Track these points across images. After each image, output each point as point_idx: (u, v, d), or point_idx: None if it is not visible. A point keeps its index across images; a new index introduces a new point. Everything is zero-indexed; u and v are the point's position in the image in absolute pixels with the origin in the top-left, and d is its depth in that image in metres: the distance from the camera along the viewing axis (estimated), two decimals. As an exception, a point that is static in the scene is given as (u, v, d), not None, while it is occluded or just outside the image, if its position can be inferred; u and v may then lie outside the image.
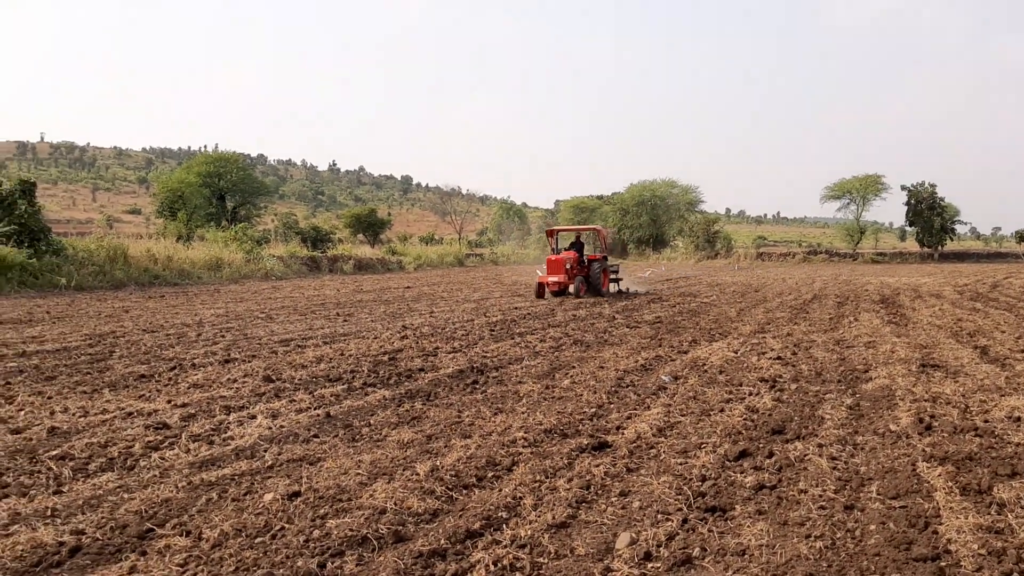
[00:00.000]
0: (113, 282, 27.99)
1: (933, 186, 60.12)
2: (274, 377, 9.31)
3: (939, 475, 5.27)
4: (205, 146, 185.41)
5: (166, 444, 6.22)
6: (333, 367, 10.18)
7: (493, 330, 14.54)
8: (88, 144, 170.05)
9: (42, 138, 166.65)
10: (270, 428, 6.70)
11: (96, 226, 62.69)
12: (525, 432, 6.46)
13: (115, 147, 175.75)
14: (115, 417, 7.23)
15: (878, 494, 5.00)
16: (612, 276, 25.01)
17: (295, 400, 7.87)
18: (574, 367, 10.11)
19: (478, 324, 15.57)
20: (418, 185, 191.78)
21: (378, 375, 9.51)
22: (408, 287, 29.97)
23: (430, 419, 7.08)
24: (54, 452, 5.96)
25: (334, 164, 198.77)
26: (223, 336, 13.98)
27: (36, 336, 13.85)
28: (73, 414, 7.39)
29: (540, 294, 22.83)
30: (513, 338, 13.24)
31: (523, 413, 7.26)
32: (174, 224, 44.97)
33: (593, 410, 7.43)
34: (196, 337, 13.81)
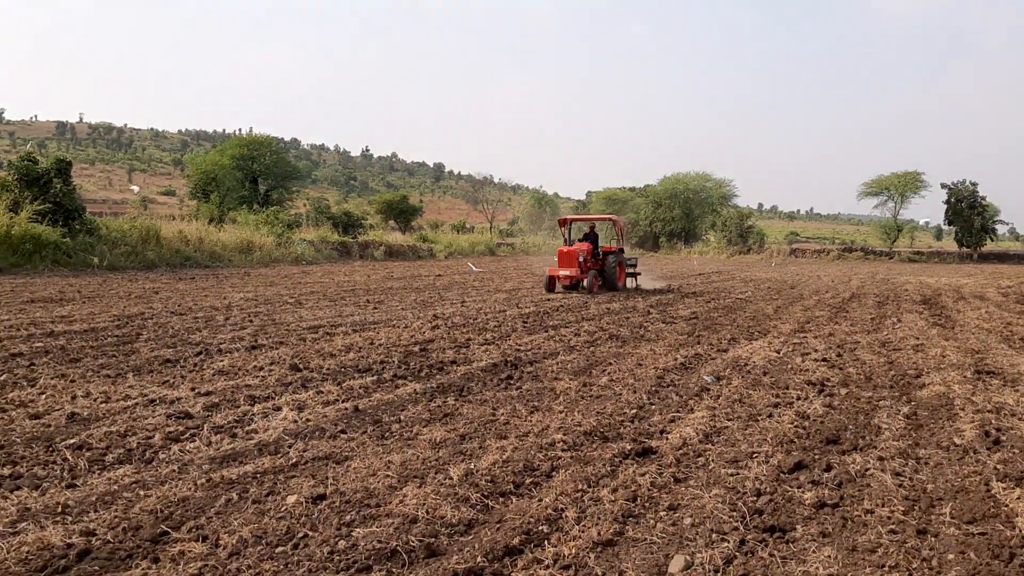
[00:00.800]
0: (145, 263, 28.00)
1: (975, 185, 58.65)
2: (301, 366, 9.02)
3: (1018, 498, 4.82)
4: (240, 129, 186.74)
5: (187, 435, 5.93)
6: (362, 357, 9.88)
7: (526, 322, 14.17)
8: (125, 125, 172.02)
9: (81, 118, 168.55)
10: (295, 422, 6.39)
11: (130, 206, 63.15)
12: (564, 434, 6.09)
13: (152, 128, 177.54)
14: (137, 404, 6.96)
15: (952, 517, 4.57)
16: (629, 270, 23.74)
17: (323, 391, 7.56)
18: (611, 363, 9.71)
19: (510, 315, 15.21)
20: (450, 173, 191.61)
21: (408, 367, 9.18)
22: (439, 275, 29.69)
23: (463, 416, 6.73)
24: (71, 441, 5.70)
25: (367, 150, 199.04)
26: (251, 321, 13.75)
27: (65, 316, 13.72)
28: (95, 399, 7.14)
29: (551, 287, 21.46)
30: (547, 331, 12.86)
31: (560, 412, 6.89)
32: (207, 206, 45.04)
33: (634, 411, 7.04)
34: (224, 321, 13.59)
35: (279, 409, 6.81)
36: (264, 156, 51.55)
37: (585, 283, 21.00)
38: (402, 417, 6.67)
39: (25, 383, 7.87)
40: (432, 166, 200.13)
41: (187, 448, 5.62)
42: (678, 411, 7.10)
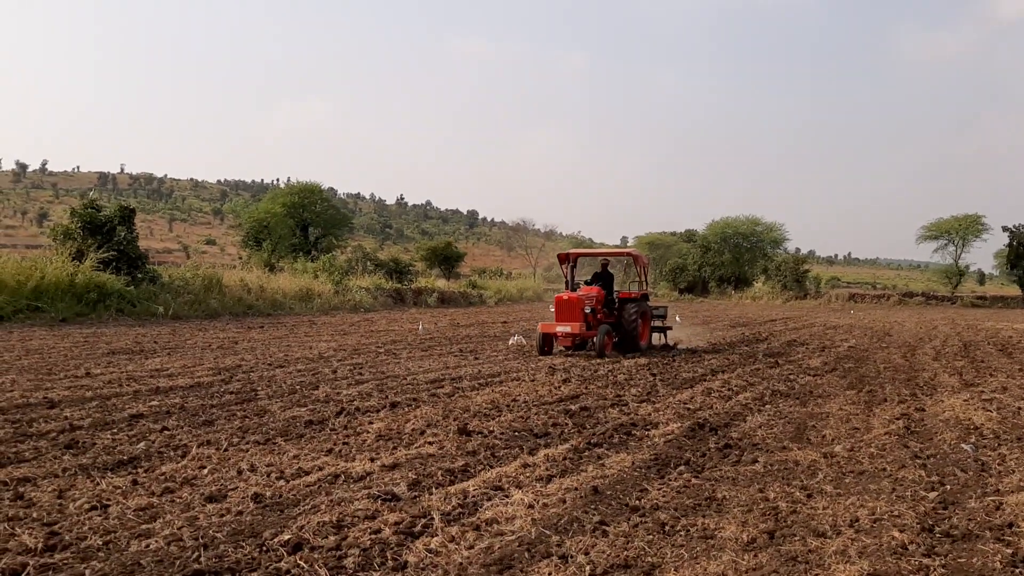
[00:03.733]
0: (208, 312, 27.16)
1: (1037, 228, 56.74)
2: (471, 429, 7.87)
3: None
4: (277, 179, 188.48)
5: (419, 529, 4.76)
6: (521, 417, 8.73)
7: (653, 373, 12.99)
8: (166, 176, 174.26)
9: (122, 169, 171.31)
10: (531, 506, 5.21)
11: (195, 254, 62.99)
12: (901, 531, 4.80)
13: (191, 179, 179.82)
14: (322, 481, 5.84)
15: None
16: (656, 323, 18.31)
17: (529, 464, 6.38)
18: (814, 426, 8.46)
19: (627, 365, 14.05)
20: (483, 220, 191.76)
21: (586, 430, 8.01)
22: (504, 321, 28.61)
23: (734, 501, 5.49)
24: (285, 537, 4.56)
25: (401, 198, 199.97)
26: (360, 373, 12.69)
27: (159, 369, 12.76)
28: (267, 474, 6.03)
29: (545, 349, 15.90)
30: (691, 386, 11.64)
31: (852, 496, 5.61)
32: (259, 254, 44.51)
33: (936, 495, 5.71)
34: (333, 374, 12.53)
35: (498, 489, 5.63)
36: (315, 204, 51.08)
37: (595, 342, 15.66)
38: (657, 501, 5.45)
39: (172, 452, 6.80)
40: (466, 213, 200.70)
41: (433, 547, 4.46)
42: (996, 494, 5.78)
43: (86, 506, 5.14)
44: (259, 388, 10.86)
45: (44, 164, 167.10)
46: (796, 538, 4.65)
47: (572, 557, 4.35)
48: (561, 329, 15.56)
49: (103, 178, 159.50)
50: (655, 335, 18.36)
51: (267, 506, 5.22)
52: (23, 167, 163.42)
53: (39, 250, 36.01)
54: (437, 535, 4.65)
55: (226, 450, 6.89)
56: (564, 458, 6.63)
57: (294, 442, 7.35)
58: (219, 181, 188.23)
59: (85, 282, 24.25)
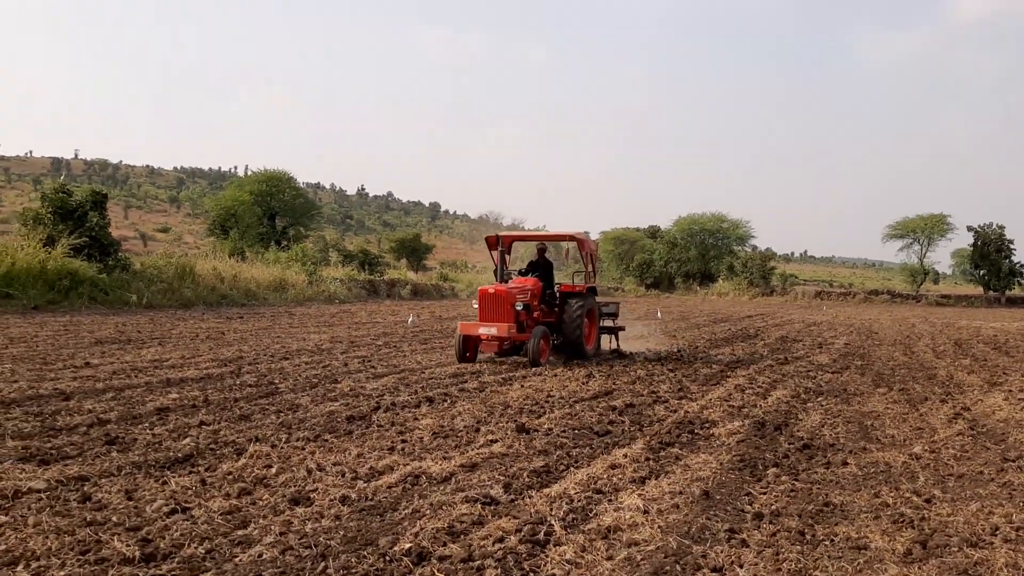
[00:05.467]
0: (182, 301, 26.30)
1: (1002, 228, 57.98)
2: (527, 427, 7.53)
3: None
4: (235, 167, 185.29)
5: (545, 538, 4.41)
6: (567, 414, 8.45)
7: (671, 369, 12.79)
8: (120, 162, 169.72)
9: (76, 155, 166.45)
10: (647, 512, 4.90)
11: (164, 243, 61.26)
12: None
13: (147, 165, 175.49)
14: (404, 482, 5.47)
15: None
16: (606, 323, 15.46)
17: (618, 466, 6.06)
18: (872, 425, 8.28)
19: (641, 364, 13.86)
20: (446, 212, 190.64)
21: (646, 428, 7.73)
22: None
23: (854, 507, 5.21)
24: (404, 545, 4.18)
25: (362, 188, 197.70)
26: (373, 367, 12.29)
27: (158, 360, 12.22)
28: (341, 475, 5.65)
29: (466, 355, 13.09)
30: (718, 383, 11.45)
31: (964, 502, 5.39)
32: (226, 242, 43.50)
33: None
34: (345, 367, 12.08)
35: (599, 493, 5.31)
36: (283, 192, 50.11)
37: (528, 348, 12.75)
38: (773, 507, 5.17)
39: (225, 450, 6.35)
40: (428, 205, 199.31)
41: (570, 557, 4.12)
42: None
43: (165, 509, 4.71)
44: (275, 381, 10.39)
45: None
46: (953, 549, 4.39)
47: (725, 570, 4.04)
48: (485, 331, 12.56)
49: (56, 163, 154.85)
50: (604, 338, 15.43)
51: (363, 510, 4.83)
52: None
53: (5, 236, 34.72)
54: (564, 543, 4.31)
55: (279, 447, 6.46)
56: (644, 459, 6.33)
57: (347, 439, 6.95)
58: (175, 168, 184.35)
59: (57, 269, 23.31)
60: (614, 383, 10.91)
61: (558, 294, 14.24)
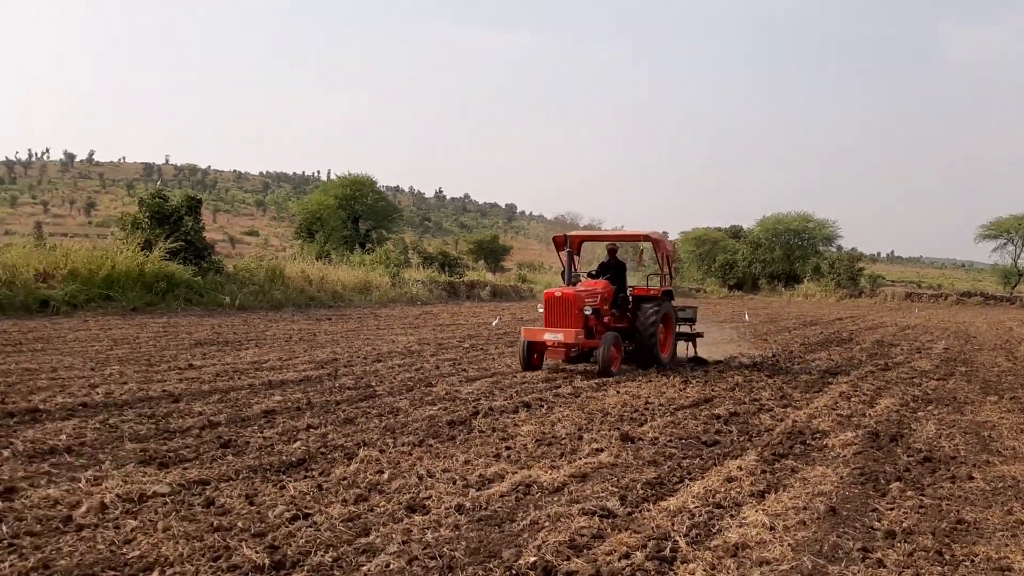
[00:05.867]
0: (272, 303, 26.87)
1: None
2: (631, 435, 7.40)
3: None
4: (317, 171, 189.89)
5: (667, 552, 4.29)
6: (670, 422, 8.28)
7: (769, 375, 12.44)
8: (209, 167, 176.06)
9: (167, 160, 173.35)
10: (773, 528, 4.72)
11: (253, 247, 63.12)
12: None
13: (234, 170, 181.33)
14: (515, 491, 5.42)
15: None
16: (683, 329, 14.40)
17: (734, 478, 5.88)
18: (990, 436, 7.88)
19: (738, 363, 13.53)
20: (522, 213, 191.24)
21: (756, 438, 7.50)
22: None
23: (989, 525, 4.93)
24: (529, 559, 4.11)
25: (440, 191, 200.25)
26: (464, 369, 12.32)
27: (257, 362, 12.48)
28: (452, 482, 5.63)
29: (531, 362, 12.47)
30: (819, 390, 11.10)
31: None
32: (312, 246, 44.43)
33: None
34: (437, 370, 12.13)
35: (719, 507, 5.15)
36: (366, 196, 50.89)
37: (598, 355, 11.99)
38: (904, 524, 4.93)
39: (335, 454, 6.41)
40: (504, 206, 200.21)
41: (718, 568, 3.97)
42: None
43: (287, 515, 4.75)
44: (372, 384, 10.49)
45: (91, 154, 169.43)
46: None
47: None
48: (551, 336, 11.83)
49: (148, 168, 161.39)
50: (681, 344, 14.51)
51: (480, 520, 4.78)
52: (71, 157, 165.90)
53: (101, 240, 36.22)
54: (691, 560, 4.18)
55: (386, 452, 6.48)
56: (760, 471, 6.13)
57: (451, 445, 6.94)
58: (261, 173, 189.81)
59: (154, 272, 24.11)
60: (712, 390, 10.66)
61: (631, 298, 13.46)
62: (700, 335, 14.73)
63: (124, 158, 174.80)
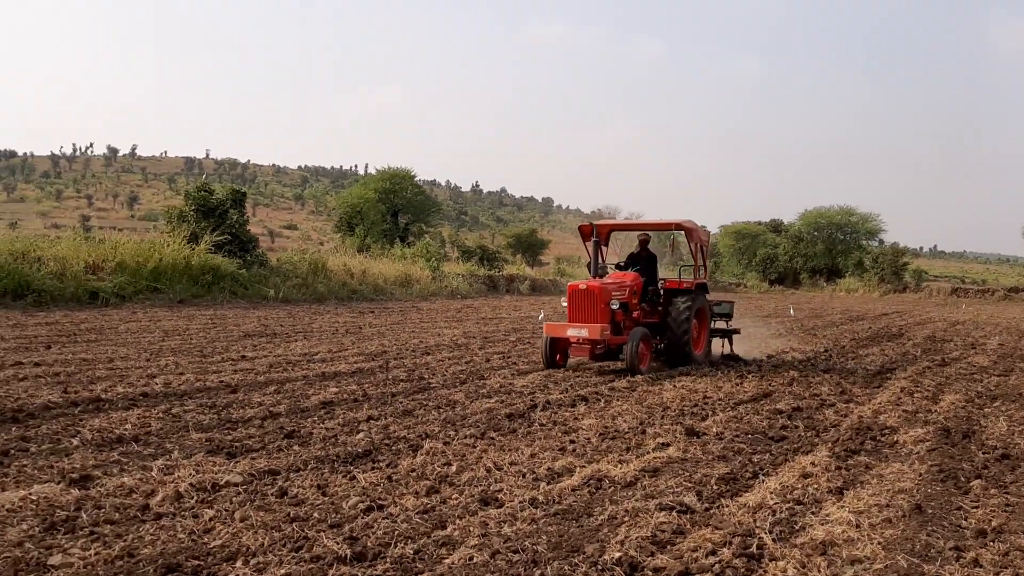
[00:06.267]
0: (315, 295, 27.02)
1: None
2: (697, 430, 7.27)
3: None
4: (355, 165, 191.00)
5: (754, 549, 4.17)
6: (733, 417, 8.12)
7: (824, 370, 12.19)
8: (248, 161, 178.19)
9: (207, 154, 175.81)
10: (859, 526, 4.56)
11: (293, 240, 63.68)
12: None
13: (273, 164, 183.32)
14: (587, 485, 5.32)
15: None
16: (718, 324, 13.82)
17: (809, 474, 5.73)
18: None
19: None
20: (559, 207, 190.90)
21: (823, 434, 7.33)
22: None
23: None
24: (614, 554, 4.02)
25: (476, 184, 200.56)
26: (513, 363, 12.29)
27: (308, 354, 12.54)
28: (521, 475, 5.56)
29: (555, 360, 11.84)
30: (879, 385, 10.83)
31: None
32: (352, 239, 44.67)
33: None
34: (487, 363, 12.08)
35: (799, 504, 5.02)
36: (405, 190, 51.06)
37: (627, 351, 11.25)
38: (994, 523, 4.75)
39: (399, 445, 6.38)
40: (541, 200, 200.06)
41: (791, 574, 3.85)
42: None
43: (361, 506, 4.72)
44: (424, 376, 10.47)
45: (134, 149, 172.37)
46: None
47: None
48: (575, 332, 11.14)
49: (189, 163, 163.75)
50: (716, 341, 13.82)
51: (556, 514, 4.70)
52: (114, 151, 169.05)
53: (144, 233, 36.75)
54: (779, 558, 4.06)
55: (454, 445, 6.43)
56: (834, 467, 5.97)
57: (513, 437, 6.87)
58: (299, 167, 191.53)
59: (200, 264, 24.38)
60: (770, 384, 10.48)
61: (662, 291, 12.75)
62: (737, 331, 14.10)
63: (166, 152, 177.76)
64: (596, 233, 12.57)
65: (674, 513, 4.71)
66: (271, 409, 7.76)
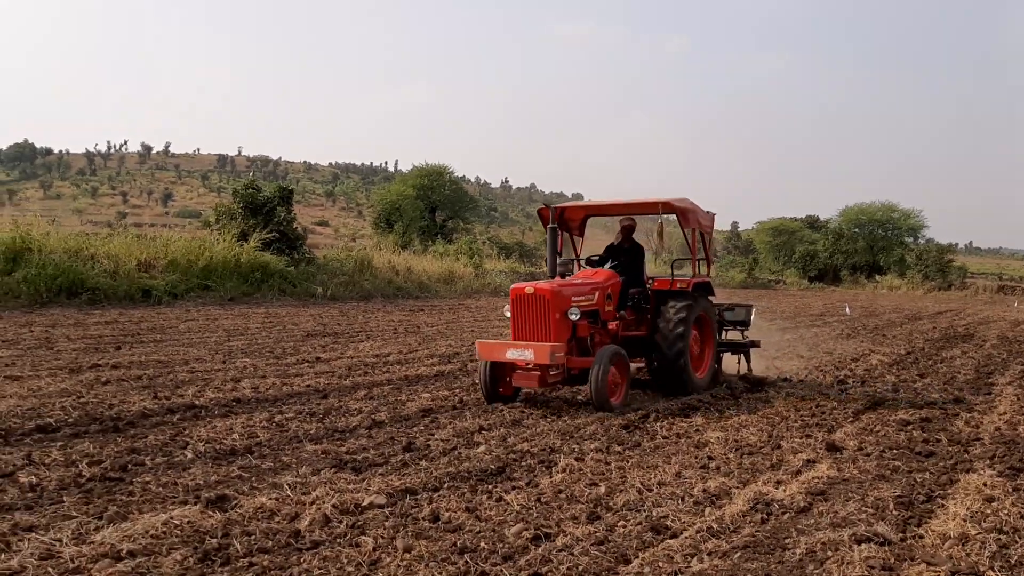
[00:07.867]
0: (362, 292, 26.72)
1: None
2: (836, 444, 6.77)
3: None
4: (385, 162, 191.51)
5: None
6: (865, 428, 7.60)
7: (922, 374, 11.62)
8: (280, 158, 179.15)
9: (239, 152, 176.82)
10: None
11: (347, 237, 63.58)
12: None
13: (304, 161, 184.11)
14: (755, 511, 4.87)
15: None
16: (730, 338, 10.88)
17: (993, 499, 5.22)
18: None
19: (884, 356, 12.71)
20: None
21: (971, 448, 6.81)
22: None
23: None
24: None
25: (506, 181, 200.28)
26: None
27: (379, 355, 12.44)
28: (677, 497, 5.13)
29: (498, 391, 8.42)
30: (989, 392, 10.24)
31: None
32: (391, 236, 44.47)
33: None
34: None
35: (1002, 532, 4.52)
36: (443, 186, 50.77)
37: (591, 379, 7.97)
38: None
39: (529, 461, 5.96)
40: (570, 196, 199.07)
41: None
42: None
43: (526, 534, 4.30)
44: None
45: (167, 146, 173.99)
46: None
47: None
48: (515, 354, 7.94)
49: (222, 160, 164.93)
50: (727, 357, 10.74)
51: (746, 547, 4.24)
52: (148, 149, 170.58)
53: (176, 230, 36.74)
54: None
55: (586, 461, 6.00)
56: (1012, 488, 5.45)
57: (641, 452, 6.43)
58: (330, 164, 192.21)
59: (250, 262, 24.18)
60: (875, 390, 9.95)
61: (650, 294, 9.55)
62: (756, 344, 10.86)
63: (198, 149, 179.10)
64: (556, 218, 9.47)
65: (873, 545, 4.24)
66: (373, 417, 7.40)
